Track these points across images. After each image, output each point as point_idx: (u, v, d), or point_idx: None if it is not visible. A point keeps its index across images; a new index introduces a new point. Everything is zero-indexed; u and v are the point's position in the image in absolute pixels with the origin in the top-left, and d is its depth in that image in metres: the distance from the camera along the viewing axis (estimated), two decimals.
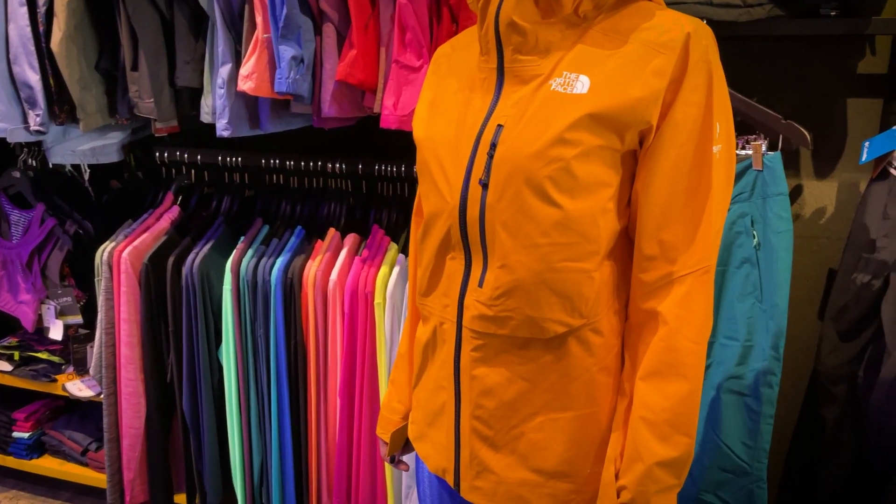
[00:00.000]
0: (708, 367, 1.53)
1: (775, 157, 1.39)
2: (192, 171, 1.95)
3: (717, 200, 0.89)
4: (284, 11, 1.36)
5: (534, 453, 0.96)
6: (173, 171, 1.97)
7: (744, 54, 1.70)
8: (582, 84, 0.87)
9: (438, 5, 1.38)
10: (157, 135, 1.67)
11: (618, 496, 0.92)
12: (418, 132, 1.02)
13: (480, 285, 0.93)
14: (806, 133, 1.39)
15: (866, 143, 1.54)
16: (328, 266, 1.65)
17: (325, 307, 1.64)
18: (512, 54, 0.91)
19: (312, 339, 1.65)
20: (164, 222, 1.84)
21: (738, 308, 1.46)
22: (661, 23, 0.88)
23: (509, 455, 0.98)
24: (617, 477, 0.93)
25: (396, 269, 1.59)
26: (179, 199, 1.92)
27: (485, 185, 0.90)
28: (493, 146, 0.90)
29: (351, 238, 1.70)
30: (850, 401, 1.56)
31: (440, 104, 1.00)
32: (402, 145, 1.43)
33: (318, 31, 1.46)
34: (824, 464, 1.63)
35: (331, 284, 1.62)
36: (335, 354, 1.64)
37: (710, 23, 1.43)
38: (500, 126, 0.90)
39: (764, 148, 1.40)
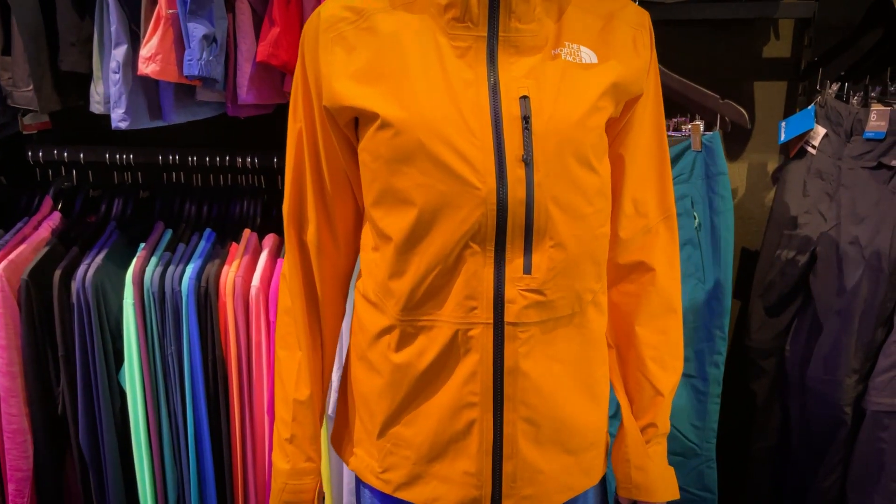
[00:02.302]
0: None
1: (714, 137, 1.39)
2: (74, 172, 1.71)
3: (667, 155, 1.02)
4: None
5: (570, 435, 0.94)
6: (50, 172, 1.72)
7: (658, 37, 1.72)
8: (588, 55, 0.88)
9: None
10: (24, 132, 1.45)
11: (643, 433, 1.00)
12: (387, 111, 0.85)
13: (528, 272, 0.85)
14: (743, 111, 1.41)
15: (783, 124, 1.59)
16: (248, 271, 1.49)
17: (247, 317, 1.48)
18: (512, 22, 0.84)
19: (234, 354, 1.48)
20: (44, 231, 1.60)
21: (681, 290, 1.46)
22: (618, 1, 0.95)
23: (553, 447, 0.93)
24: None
25: None
26: (60, 203, 1.67)
27: (528, 162, 0.83)
28: (527, 119, 0.83)
29: (270, 239, 1.55)
30: (778, 373, 1.62)
31: (395, 76, 0.86)
32: None
33: (230, 8, 1.30)
34: (755, 435, 1.68)
35: (253, 291, 1.46)
36: (261, 369, 1.49)
37: (641, 2, 1.42)
38: (524, 97, 0.83)
39: (702, 128, 1.40)
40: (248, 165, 1.58)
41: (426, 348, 0.89)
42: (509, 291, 0.86)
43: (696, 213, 1.43)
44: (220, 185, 1.68)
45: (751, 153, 1.84)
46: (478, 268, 0.86)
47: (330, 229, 0.98)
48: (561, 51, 0.87)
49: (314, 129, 0.93)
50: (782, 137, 1.58)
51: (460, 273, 0.86)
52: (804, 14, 1.63)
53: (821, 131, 1.52)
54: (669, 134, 1.47)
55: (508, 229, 0.84)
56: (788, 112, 1.79)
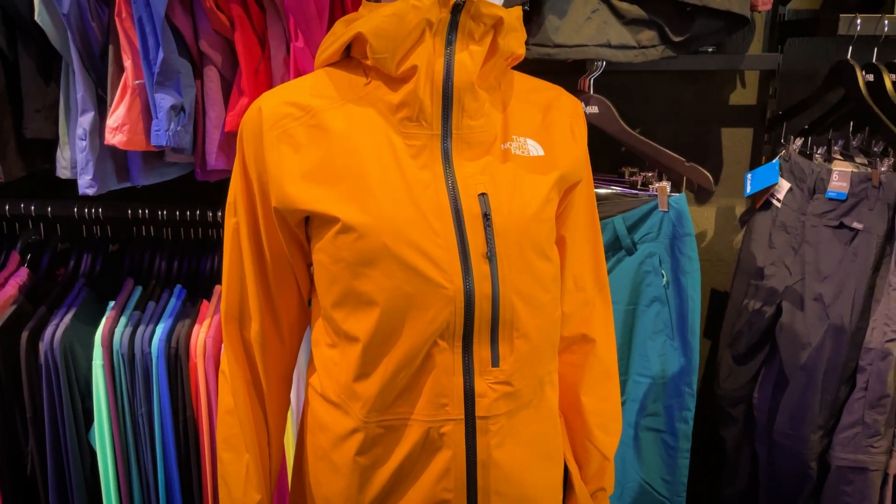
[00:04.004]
0: (623, 403, 1.54)
1: (681, 199, 1.41)
2: (41, 225, 1.69)
3: (599, 231, 1.08)
4: (161, 55, 1.19)
5: None
6: (17, 225, 1.70)
7: (626, 86, 1.75)
8: (535, 148, 0.90)
9: None
10: None
11: (593, 497, 1.06)
12: (348, 214, 0.83)
13: (496, 364, 0.86)
14: (708, 175, 1.43)
15: (748, 176, 1.62)
16: (218, 330, 1.48)
17: (217, 378, 1.47)
18: (464, 119, 0.85)
19: (205, 415, 1.47)
20: (11, 288, 1.58)
21: (649, 346, 1.48)
22: (548, 88, 0.99)
23: None
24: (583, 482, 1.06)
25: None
26: (28, 258, 1.65)
27: (491, 258, 0.84)
28: (487, 216, 0.84)
29: None
30: (747, 421, 1.64)
31: (352, 177, 0.84)
32: None
33: (198, 76, 1.30)
34: (725, 481, 1.70)
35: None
36: None
37: (609, 64, 1.44)
38: (483, 194, 0.85)
39: (668, 189, 1.42)
40: (219, 219, 1.57)
41: (396, 447, 0.89)
42: (479, 386, 0.87)
43: (664, 272, 1.44)
44: (191, 239, 1.67)
45: (718, 197, 1.87)
46: (447, 364, 0.86)
47: (275, 325, 0.97)
48: (510, 145, 0.89)
49: (256, 226, 0.92)
50: (748, 190, 1.60)
51: (429, 371, 0.86)
52: (769, 66, 1.66)
53: (785, 185, 1.55)
54: (637, 191, 1.49)
55: (475, 325, 0.85)
56: (755, 158, 1.83)
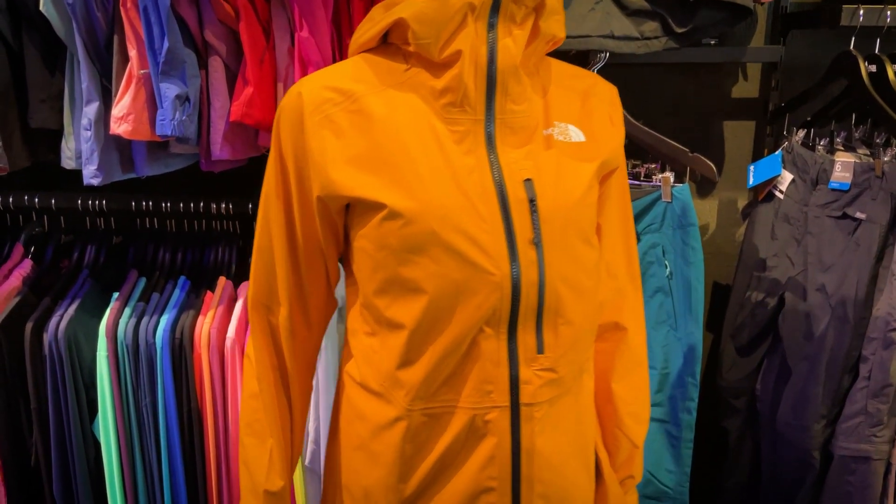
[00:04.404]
0: None
1: (684, 189, 1.42)
2: (45, 218, 1.69)
3: (632, 219, 1.07)
4: (166, 45, 1.19)
5: (569, 499, 0.94)
6: (21, 218, 1.70)
7: (629, 80, 1.75)
8: (576, 134, 0.90)
9: (341, 39, 1.28)
10: None
11: (622, 485, 1.05)
12: (395, 200, 0.82)
13: (541, 351, 0.86)
14: (712, 166, 1.43)
15: (751, 168, 1.62)
16: (223, 321, 1.48)
17: (222, 369, 1.47)
18: (508, 104, 0.84)
19: (209, 406, 1.48)
20: (15, 280, 1.58)
21: (653, 337, 1.48)
22: (586, 75, 0.99)
23: None
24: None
25: None
26: (31, 250, 1.65)
27: (538, 244, 0.84)
28: (533, 202, 0.83)
29: (246, 287, 1.54)
30: (749, 412, 1.64)
31: (397, 163, 0.83)
32: None
33: (203, 66, 1.30)
34: (728, 472, 1.71)
35: (228, 343, 1.45)
36: (237, 421, 1.48)
37: (613, 55, 1.45)
38: (528, 180, 0.84)
39: (672, 180, 1.42)
40: (223, 211, 1.57)
41: (440, 436, 0.88)
42: (524, 373, 0.86)
43: (667, 262, 1.45)
44: (195, 231, 1.67)
45: (721, 190, 1.88)
46: (492, 351, 0.85)
47: (303, 312, 0.97)
48: (552, 130, 0.89)
49: (290, 213, 0.91)
50: (751, 182, 1.61)
51: (475, 358, 0.85)
52: (771, 58, 1.67)
53: (788, 177, 1.55)
54: (641, 182, 1.49)
55: (521, 311, 0.85)
56: (757, 150, 1.83)
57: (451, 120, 0.85)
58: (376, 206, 0.83)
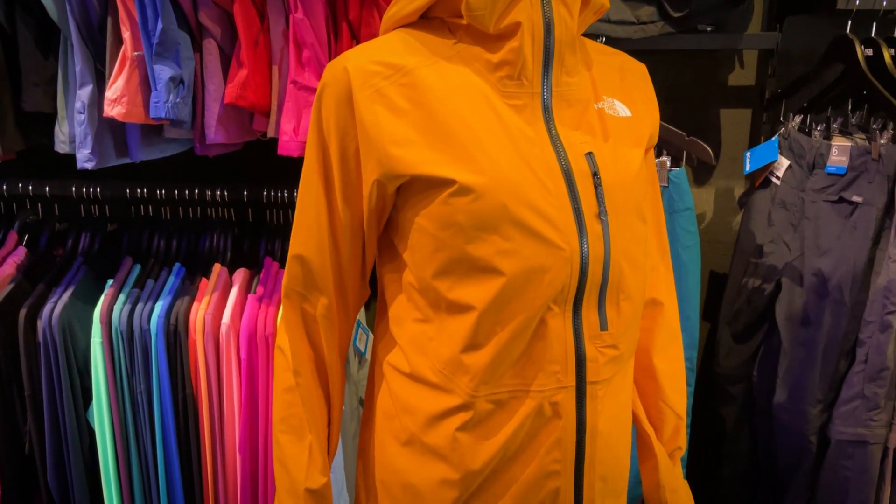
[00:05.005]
0: None
1: (680, 174, 1.41)
2: (39, 205, 1.69)
3: (660, 196, 1.07)
4: (160, 26, 1.19)
5: (624, 481, 0.94)
6: (14, 205, 1.69)
7: None
8: (623, 109, 0.89)
9: (336, 20, 1.27)
10: None
11: (671, 457, 1.04)
12: (463, 176, 0.78)
13: (604, 328, 0.84)
14: (708, 148, 1.43)
15: (748, 154, 1.62)
16: (218, 307, 1.48)
17: (217, 355, 1.47)
18: (563, 76, 0.83)
19: (204, 392, 1.47)
20: (9, 267, 1.57)
21: None
22: (615, 52, 0.98)
23: (614, 497, 0.92)
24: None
25: None
26: (25, 238, 1.65)
27: (603, 218, 0.82)
28: (597, 175, 0.82)
29: (241, 273, 1.54)
30: (746, 399, 1.64)
31: (459, 138, 0.79)
32: (292, 168, 1.29)
33: (197, 48, 1.29)
34: (725, 460, 1.70)
35: (223, 328, 1.45)
36: (232, 407, 1.48)
37: (608, 39, 1.44)
38: (589, 153, 0.83)
39: (668, 164, 1.42)
40: (218, 198, 1.56)
41: (506, 421, 0.84)
42: (589, 350, 0.84)
43: None
44: (190, 218, 1.66)
45: (717, 179, 1.87)
46: (559, 330, 0.83)
47: (342, 300, 0.92)
48: (603, 104, 0.88)
49: (333, 197, 0.87)
50: (747, 168, 1.60)
51: (542, 337, 0.83)
52: (768, 45, 1.66)
53: (784, 162, 1.55)
54: None
55: (587, 287, 0.83)
56: (753, 138, 1.83)
57: (508, 94, 0.82)
58: (443, 183, 0.79)
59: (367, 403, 0.98)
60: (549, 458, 0.86)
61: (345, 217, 0.87)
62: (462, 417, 0.84)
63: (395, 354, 0.91)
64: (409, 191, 0.83)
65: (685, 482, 1.06)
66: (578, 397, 0.85)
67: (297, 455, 0.91)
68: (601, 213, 0.82)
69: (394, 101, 0.80)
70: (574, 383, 0.84)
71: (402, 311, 0.90)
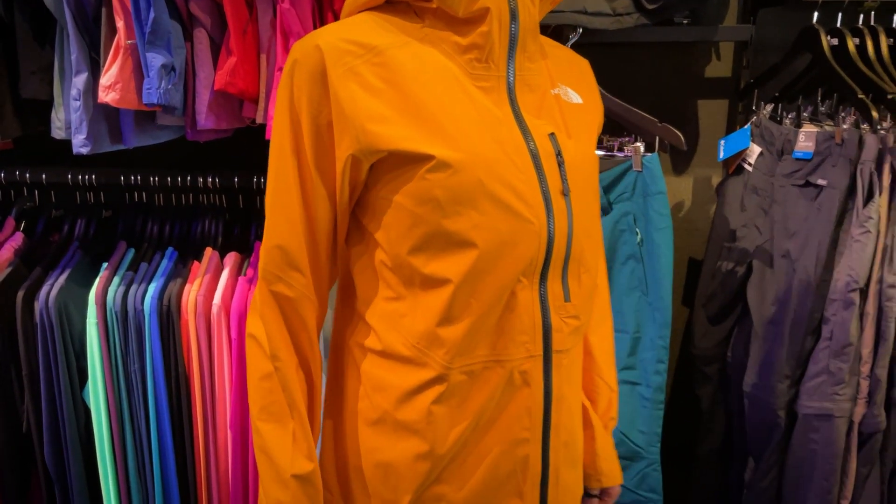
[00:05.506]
0: None
1: (653, 159, 1.47)
2: (36, 192, 1.74)
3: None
4: (152, 15, 1.24)
5: (580, 449, 1.01)
6: (12, 192, 1.74)
7: (605, 59, 1.80)
8: (574, 96, 0.95)
9: (322, 10, 1.32)
10: None
11: (605, 428, 1.10)
12: (441, 151, 0.80)
13: (568, 299, 0.89)
14: (680, 135, 1.49)
15: (722, 142, 1.68)
16: (209, 289, 1.53)
17: (209, 334, 1.52)
18: (524, 62, 0.89)
19: (196, 371, 1.52)
20: (7, 252, 1.62)
21: (625, 302, 1.54)
22: (562, 46, 1.05)
23: (573, 464, 0.99)
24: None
25: None
26: (23, 224, 1.70)
27: (567, 194, 0.88)
28: (560, 154, 0.88)
29: (232, 257, 1.59)
30: (721, 379, 1.70)
31: (433, 116, 0.82)
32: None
33: (188, 38, 1.34)
34: (701, 438, 1.76)
35: (214, 309, 1.50)
36: (223, 385, 1.53)
37: (586, 31, 1.50)
38: (552, 134, 0.89)
39: (642, 150, 1.47)
40: (210, 185, 1.61)
41: (479, 391, 0.87)
42: (555, 321, 0.89)
43: (638, 230, 1.50)
44: (182, 204, 1.71)
45: (695, 168, 1.93)
46: (528, 301, 0.86)
47: (318, 280, 0.92)
48: (558, 91, 0.94)
49: (307, 176, 0.87)
50: (721, 155, 1.66)
51: (512, 308, 0.86)
52: (742, 37, 1.72)
53: (756, 150, 1.60)
54: (615, 154, 1.54)
55: (553, 260, 0.87)
56: (730, 129, 1.88)
57: (476, 76, 0.86)
58: (422, 158, 0.81)
59: (329, 392, 0.97)
60: (519, 426, 0.89)
61: (319, 193, 0.87)
62: (437, 390, 0.86)
63: (364, 334, 0.92)
64: (383, 167, 0.85)
65: (615, 451, 1.12)
66: (546, 366, 0.89)
67: (280, 442, 0.88)
68: (565, 191, 0.88)
69: (368, 80, 0.82)
70: (542, 352, 0.89)
71: (370, 292, 0.91)
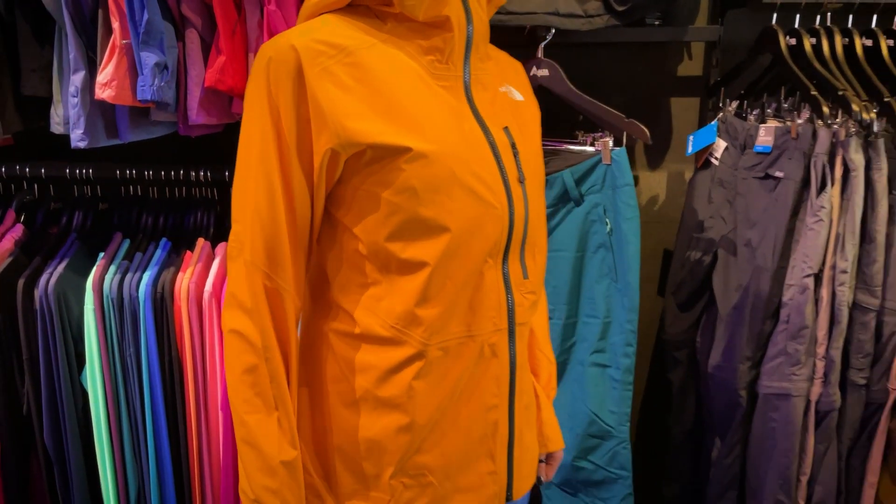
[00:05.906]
0: (573, 344, 1.67)
1: (621, 153, 1.55)
2: (35, 186, 1.81)
3: None
4: (145, 17, 1.32)
5: (534, 415, 1.13)
6: (13, 186, 1.82)
7: (580, 59, 1.88)
8: (517, 94, 1.05)
9: None
10: None
11: (548, 397, 1.20)
12: (416, 144, 0.86)
13: (526, 276, 1.00)
14: (646, 129, 1.57)
15: (690, 137, 1.76)
16: (201, 277, 1.61)
17: (200, 320, 1.60)
18: (478, 63, 0.98)
19: (189, 355, 1.60)
20: (8, 243, 1.70)
21: (596, 289, 1.62)
22: (503, 52, 1.13)
23: (531, 424, 1.11)
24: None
25: None
26: (23, 216, 1.77)
27: (523, 181, 0.98)
28: (514, 146, 0.98)
29: (223, 247, 1.67)
30: (691, 363, 1.78)
31: (405, 112, 0.88)
32: None
33: (180, 38, 1.42)
34: (673, 420, 1.84)
35: (206, 296, 1.58)
36: (214, 368, 1.60)
37: (558, 32, 1.58)
38: (506, 128, 0.98)
39: (610, 144, 1.56)
40: (202, 179, 1.68)
41: (454, 365, 0.94)
42: (516, 297, 0.98)
43: (608, 220, 1.58)
44: (176, 197, 1.79)
45: (669, 163, 2.01)
46: (494, 280, 0.95)
47: (299, 274, 0.95)
48: (505, 89, 1.03)
49: (289, 169, 0.89)
50: (689, 150, 1.74)
51: (480, 287, 0.94)
52: (711, 37, 1.80)
53: (722, 144, 1.69)
54: (586, 148, 1.62)
55: (513, 241, 0.97)
56: (702, 125, 1.96)
57: (438, 75, 0.93)
58: (399, 150, 0.86)
59: (301, 379, 0.99)
60: (490, 394, 0.98)
61: (301, 188, 0.90)
62: (417, 367, 0.92)
63: (340, 320, 0.96)
64: (360, 161, 0.88)
65: (556, 419, 1.22)
66: (510, 338, 0.99)
67: (267, 431, 0.90)
68: (521, 179, 0.98)
69: (341, 80, 0.86)
70: (507, 326, 0.98)
71: (343, 280, 0.95)
